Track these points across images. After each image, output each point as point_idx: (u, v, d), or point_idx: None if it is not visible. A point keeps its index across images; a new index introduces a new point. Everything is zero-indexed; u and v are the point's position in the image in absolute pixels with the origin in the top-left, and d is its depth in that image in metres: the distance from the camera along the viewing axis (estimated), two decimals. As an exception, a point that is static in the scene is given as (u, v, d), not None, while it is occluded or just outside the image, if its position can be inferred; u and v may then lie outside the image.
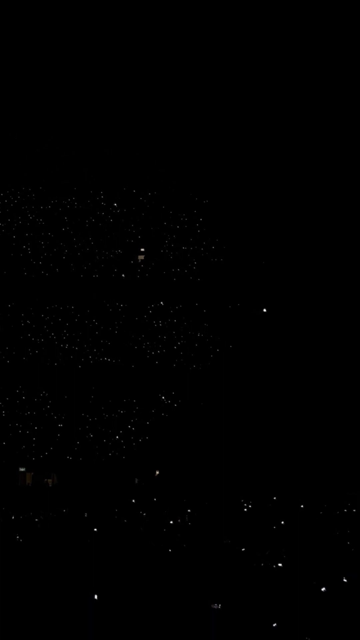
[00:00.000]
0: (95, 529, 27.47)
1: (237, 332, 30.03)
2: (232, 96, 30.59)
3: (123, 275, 30.24)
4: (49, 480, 29.68)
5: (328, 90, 30.27)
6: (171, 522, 27.43)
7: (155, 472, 29.08)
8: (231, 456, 28.65)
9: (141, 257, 30.54)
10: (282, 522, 26.70)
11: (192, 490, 28.28)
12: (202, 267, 30.39)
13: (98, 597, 25.57)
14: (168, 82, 30.62)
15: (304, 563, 26.04)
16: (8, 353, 29.79)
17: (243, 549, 26.56)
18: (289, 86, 30.27)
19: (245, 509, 27.34)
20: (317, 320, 29.54)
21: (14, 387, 29.72)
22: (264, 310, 29.83)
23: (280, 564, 26.03)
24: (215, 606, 25.22)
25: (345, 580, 25.45)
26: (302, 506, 27.14)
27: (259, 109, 30.50)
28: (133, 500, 28.26)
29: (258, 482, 28.05)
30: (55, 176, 30.96)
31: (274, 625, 24.29)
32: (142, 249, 30.65)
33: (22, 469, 29.50)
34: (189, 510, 27.61)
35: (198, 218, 30.78)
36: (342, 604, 25.00)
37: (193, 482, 28.52)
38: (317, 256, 29.96)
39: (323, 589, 25.20)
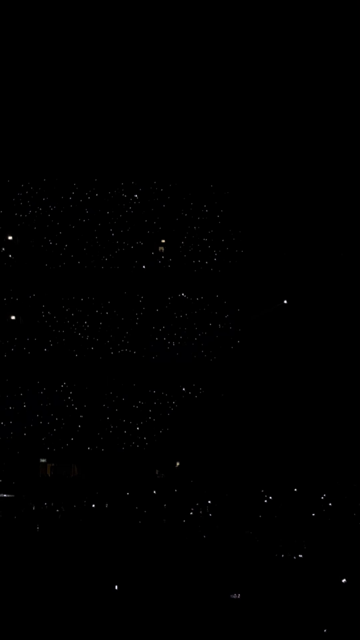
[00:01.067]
0: (116, 520, 27.49)
1: (259, 323, 29.94)
2: (254, 79, 30.44)
3: (144, 266, 30.21)
4: (70, 472, 29.74)
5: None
6: (191, 513, 27.40)
7: (175, 464, 29.06)
8: (252, 447, 28.58)
9: (162, 249, 30.51)
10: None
11: (213, 482, 28.24)
12: (223, 258, 30.32)
13: (118, 587, 25.63)
14: (186, 64, 30.49)
15: (326, 555, 25.99)
16: (28, 344, 29.84)
17: (263, 540, 26.52)
18: (319, 63, 30.01)
19: (266, 500, 27.28)
20: (344, 311, 29.39)
21: (35, 378, 29.79)
22: (285, 302, 29.73)
23: (300, 555, 25.99)
24: (234, 596, 25.23)
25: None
26: (324, 497, 27.06)
27: (282, 95, 30.35)
28: (154, 492, 28.27)
29: (280, 473, 27.98)
30: (76, 167, 30.96)
31: (294, 615, 24.26)
32: (163, 240, 30.62)
33: (42, 460, 29.57)
34: (209, 502, 27.58)
35: (219, 209, 30.71)
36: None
37: (214, 473, 28.48)
38: (344, 247, 29.81)
39: (344, 581, 25.14)
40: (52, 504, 28.04)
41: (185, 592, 25.33)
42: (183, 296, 30.49)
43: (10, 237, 30.61)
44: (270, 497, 27.22)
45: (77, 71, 30.67)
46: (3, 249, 30.40)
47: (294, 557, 26.12)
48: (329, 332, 29.09)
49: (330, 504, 26.88)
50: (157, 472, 29.12)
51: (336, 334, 29.11)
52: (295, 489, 27.34)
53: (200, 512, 27.57)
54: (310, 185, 30.02)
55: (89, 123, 30.98)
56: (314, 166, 30.05)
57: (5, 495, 28.68)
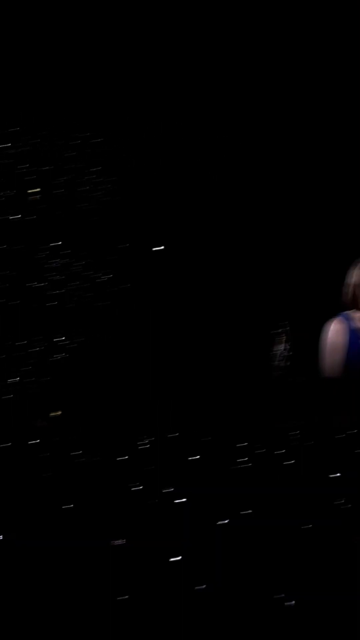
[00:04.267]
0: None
1: (139, 268, 29.42)
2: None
3: (20, 215, 29.46)
4: None
5: None
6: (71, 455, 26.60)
7: (57, 412, 28.25)
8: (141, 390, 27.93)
9: (35, 195, 29.84)
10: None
11: (92, 429, 27.50)
12: (100, 204, 29.79)
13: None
14: None
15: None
16: None
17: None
18: None
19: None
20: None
21: None
22: (162, 247, 29.26)
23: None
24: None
25: None
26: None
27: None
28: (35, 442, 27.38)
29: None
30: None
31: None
32: (38, 189, 29.91)
33: None
34: (80, 451, 26.81)
35: (94, 152, 30.17)
36: None
37: (93, 421, 27.75)
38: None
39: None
40: None
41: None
42: (60, 244, 29.79)
43: None
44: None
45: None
46: None
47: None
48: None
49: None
50: (38, 421, 28.27)
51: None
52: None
53: (84, 458, 26.79)
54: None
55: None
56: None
57: None
